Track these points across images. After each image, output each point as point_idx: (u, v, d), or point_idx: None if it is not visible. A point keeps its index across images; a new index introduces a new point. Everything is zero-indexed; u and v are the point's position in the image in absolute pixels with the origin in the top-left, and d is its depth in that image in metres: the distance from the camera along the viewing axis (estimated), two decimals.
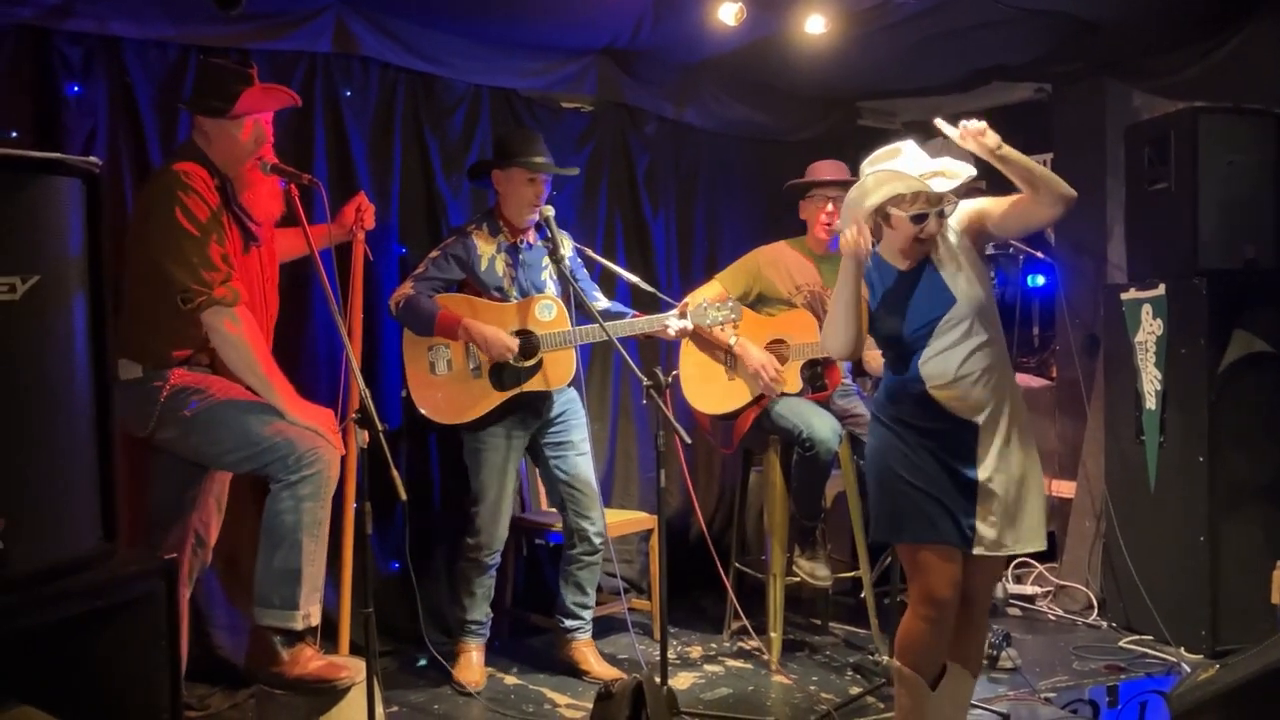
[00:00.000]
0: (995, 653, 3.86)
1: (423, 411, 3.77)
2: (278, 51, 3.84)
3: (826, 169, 4.14)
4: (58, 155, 1.69)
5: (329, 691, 2.96)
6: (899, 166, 2.76)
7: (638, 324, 3.75)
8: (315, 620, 2.97)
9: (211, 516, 3.18)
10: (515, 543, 4.37)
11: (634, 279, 3.94)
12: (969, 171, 2.78)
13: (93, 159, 1.72)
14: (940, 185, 2.74)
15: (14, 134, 3.31)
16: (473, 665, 3.82)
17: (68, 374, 1.68)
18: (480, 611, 3.86)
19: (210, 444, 2.90)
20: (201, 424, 2.88)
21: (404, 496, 2.75)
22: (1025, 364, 5.32)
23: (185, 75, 3.61)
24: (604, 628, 4.25)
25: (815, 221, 4.13)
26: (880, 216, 2.81)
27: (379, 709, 2.85)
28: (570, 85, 4.63)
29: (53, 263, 1.63)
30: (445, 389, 3.76)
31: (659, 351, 4.92)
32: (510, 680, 3.89)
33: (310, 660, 2.96)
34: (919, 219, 2.75)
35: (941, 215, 2.77)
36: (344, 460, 3.21)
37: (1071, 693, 3.67)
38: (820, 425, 3.76)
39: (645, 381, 3.30)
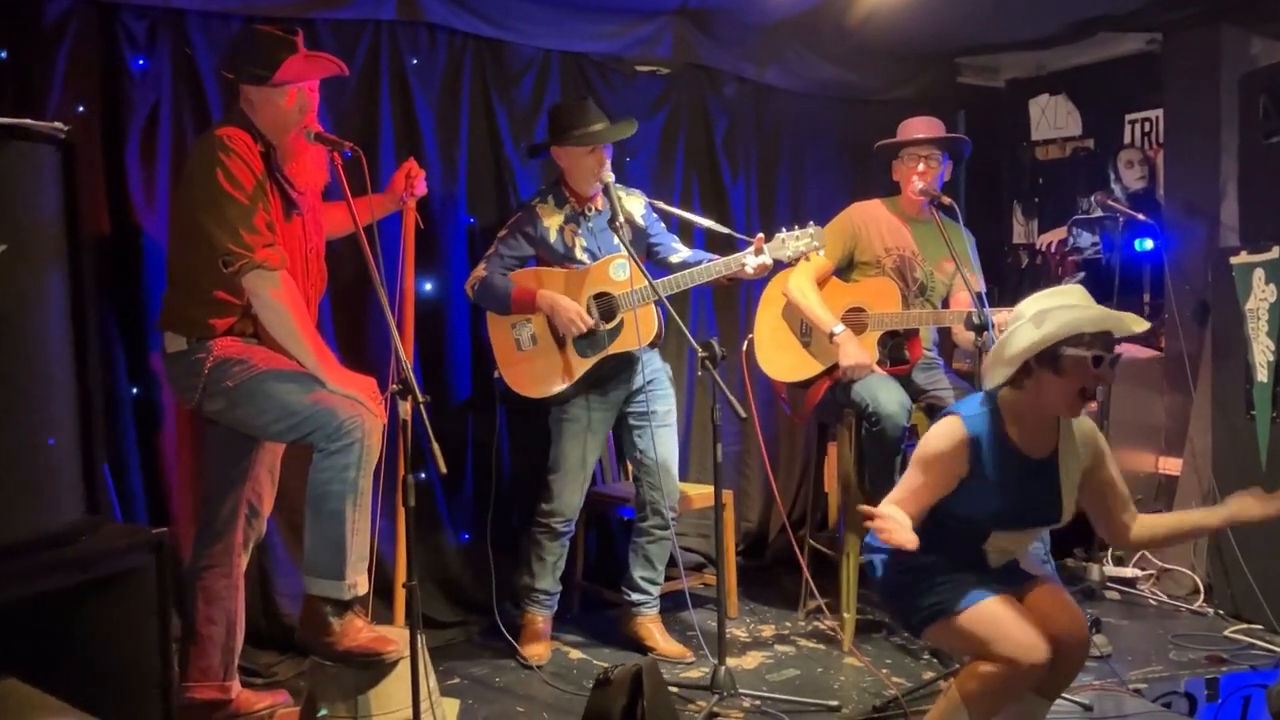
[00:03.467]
0: None
1: (515, 390, 3.74)
2: (342, 20, 3.81)
3: (920, 126, 3.93)
4: (23, 121, 1.66)
5: (377, 664, 2.94)
6: (1075, 300, 2.45)
7: (714, 267, 3.62)
8: (362, 590, 2.95)
9: (264, 487, 3.19)
10: (588, 516, 4.32)
11: (708, 223, 3.82)
12: (1142, 325, 2.46)
13: (58, 124, 1.68)
14: (1126, 327, 2.43)
15: (80, 108, 3.37)
16: (538, 638, 3.79)
17: (44, 344, 1.65)
18: (548, 581, 3.81)
19: (254, 414, 2.90)
20: (245, 394, 2.88)
21: (444, 470, 2.69)
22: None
23: None
24: (678, 603, 4.16)
25: (908, 182, 3.92)
26: (1044, 362, 2.45)
27: (424, 683, 2.81)
28: (644, 47, 4.50)
29: (22, 231, 1.60)
30: (532, 363, 3.72)
31: (739, 313, 4.79)
32: (575, 655, 3.84)
33: (360, 632, 2.94)
34: (1098, 361, 2.40)
35: (1114, 364, 2.45)
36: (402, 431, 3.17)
37: (1165, 684, 3.43)
38: (887, 399, 3.58)
39: (700, 352, 3.19)
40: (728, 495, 4.24)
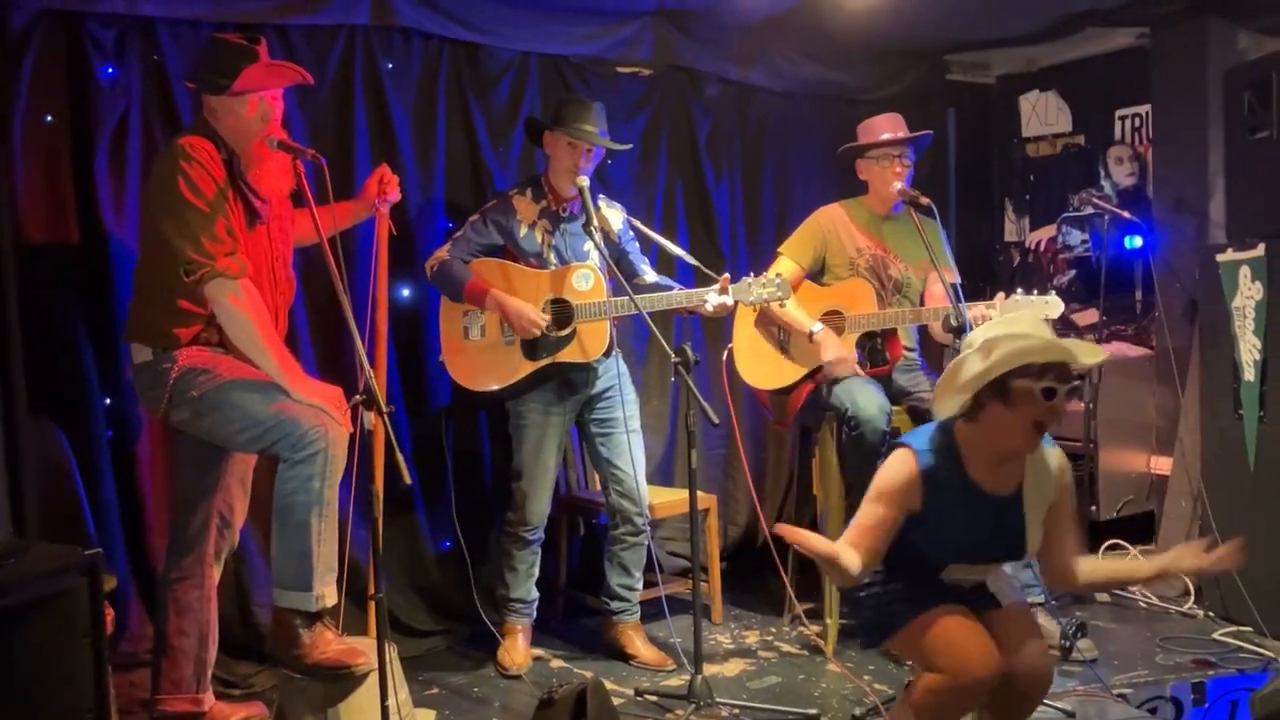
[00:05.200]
0: (1068, 644, 3.60)
1: (452, 376, 3.72)
2: (315, 26, 3.78)
3: (885, 124, 3.88)
4: None
5: (346, 676, 2.91)
6: (1028, 331, 2.34)
7: (674, 297, 3.59)
8: (330, 601, 2.92)
9: (236, 498, 3.16)
10: (570, 522, 4.30)
11: (679, 252, 3.77)
12: (1103, 353, 2.38)
13: None
14: (1079, 358, 2.33)
15: (49, 118, 3.35)
16: (517, 647, 3.75)
17: None
18: (523, 589, 3.78)
19: (220, 424, 2.88)
20: (210, 405, 2.86)
21: (407, 480, 2.65)
22: (1122, 331, 4.96)
23: None
24: (669, 608, 4.11)
25: (882, 182, 3.87)
26: (994, 394, 2.35)
27: (394, 696, 2.78)
28: (625, 49, 4.46)
29: None
30: (476, 355, 3.68)
31: (724, 320, 4.73)
32: (556, 663, 3.81)
33: (330, 644, 2.91)
34: (1050, 394, 2.31)
35: (1069, 396, 2.36)
36: (368, 441, 3.14)
37: (1150, 689, 3.38)
38: (866, 403, 3.54)
39: (673, 358, 3.16)
40: (711, 500, 4.21)
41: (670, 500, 4.08)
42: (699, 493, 4.15)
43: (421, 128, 4.03)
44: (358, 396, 2.72)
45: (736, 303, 3.55)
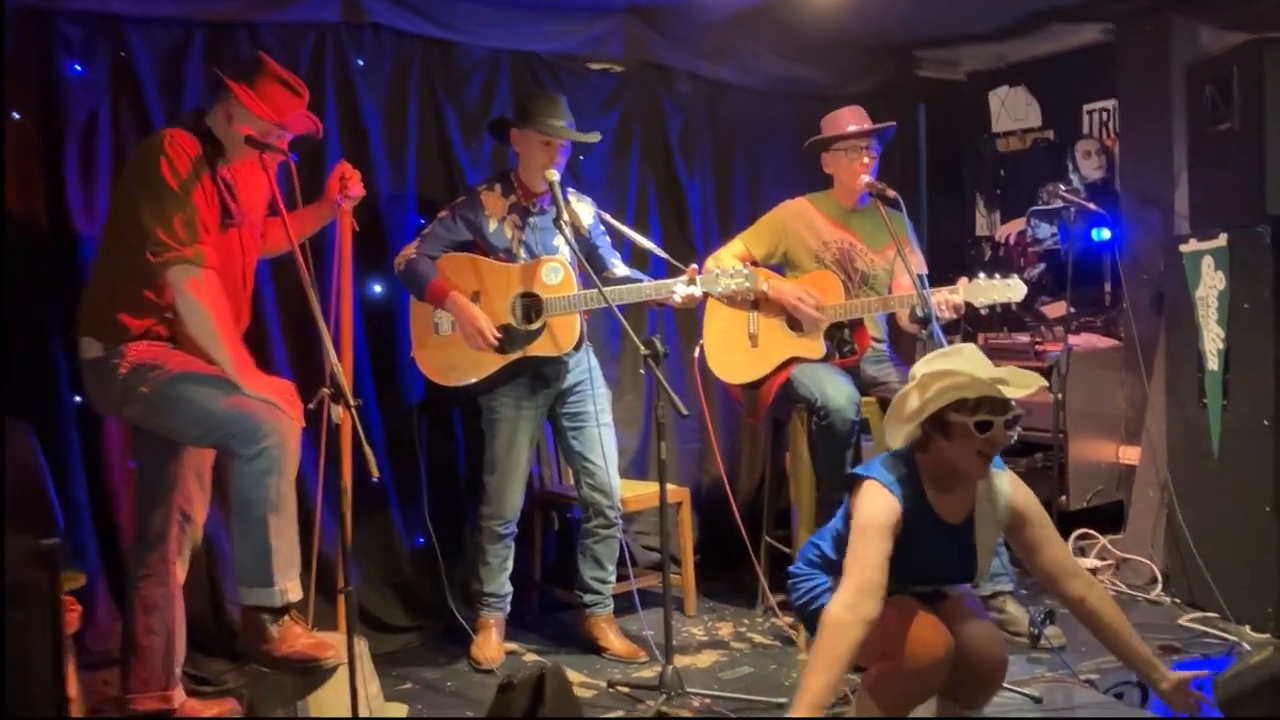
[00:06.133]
0: (1036, 631, 3.63)
1: (423, 371, 3.74)
2: (286, 24, 3.79)
3: (851, 117, 3.91)
4: None
5: (315, 670, 2.92)
6: (959, 367, 2.40)
7: (644, 289, 3.62)
8: (294, 596, 2.92)
9: (194, 494, 3.15)
10: (544, 517, 4.31)
11: (649, 245, 3.80)
12: (1038, 381, 2.41)
13: None
14: (1009, 392, 2.37)
15: (16, 115, 3.35)
16: (490, 641, 3.76)
17: None
18: (496, 584, 3.79)
19: (173, 420, 2.89)
20: (162, 400, 2.86)
21: (375, 474, 2.66)
22: (1091, 323, 5.00)
23: (188, 52, 3.61)
24: (640, 602, 4.14)
25: (849, 175, 3.89)
26: (935, 428, 2.43)
27: (363, 689, 2.79)
28: (596, 46, 4.48)
29: None
30: (446, 349, 3.69)
31: (697, 314, 4.75)
32: (530, 657, 3.83)
33: (298, 638, 2.92)
34: (984, 427, 2.37)
35: (1008, 427, 2.40)
36: (335, 436, 3.15)
37: (1117, 675, 3.42)
38: (835, 392, 3.57)
39: (643, 350, 3.18)
40: (684, 493, 4.24)
41: (643, 493, 4.11)
42: (672, 486, 4.22)
43: (393, 125, 4.05)
44: (324, 390, 2.73)
45: (705, 294, 3.57)
